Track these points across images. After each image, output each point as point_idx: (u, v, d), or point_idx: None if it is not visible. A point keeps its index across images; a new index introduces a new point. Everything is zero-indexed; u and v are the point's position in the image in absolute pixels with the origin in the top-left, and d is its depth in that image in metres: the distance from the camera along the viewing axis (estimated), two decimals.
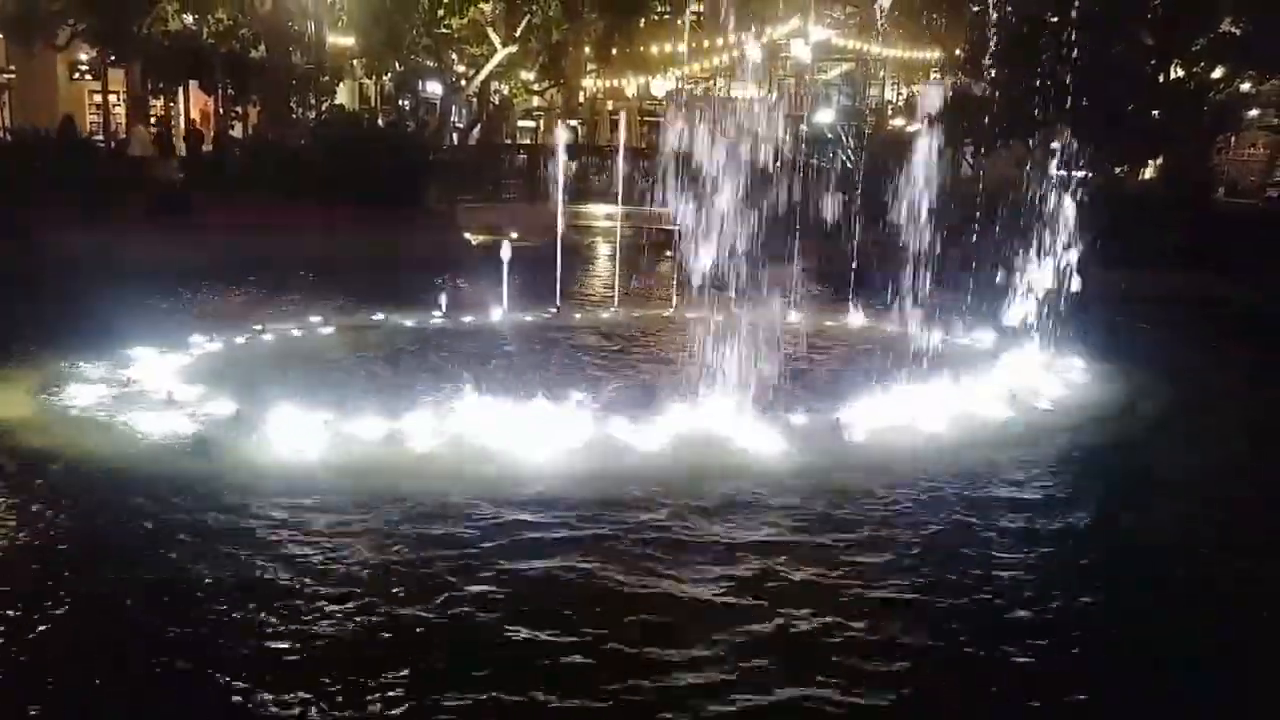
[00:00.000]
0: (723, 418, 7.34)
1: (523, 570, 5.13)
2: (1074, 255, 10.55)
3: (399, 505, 5.88)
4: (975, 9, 22.89)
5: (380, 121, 28.91)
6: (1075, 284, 10.42)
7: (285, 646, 4.37)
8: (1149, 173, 22.79)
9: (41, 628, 4.49)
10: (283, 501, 5.90)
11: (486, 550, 5.35)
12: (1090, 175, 20.83)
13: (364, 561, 5.20)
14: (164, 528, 5.51)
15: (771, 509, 6.02)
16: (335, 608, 4.70)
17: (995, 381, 8.83)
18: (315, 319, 11.09)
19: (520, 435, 6.85)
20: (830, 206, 13.45)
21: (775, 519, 5.88)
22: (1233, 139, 28.82)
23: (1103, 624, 4.89)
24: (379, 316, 11.45)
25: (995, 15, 21.86)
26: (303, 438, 6.78)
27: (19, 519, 5.66)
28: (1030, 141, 20.39)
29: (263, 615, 4.61)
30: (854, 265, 13.58)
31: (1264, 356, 11.57)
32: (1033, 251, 10.65)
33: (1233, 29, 21.05)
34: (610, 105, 42.72)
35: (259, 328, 10.58)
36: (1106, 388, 9.30)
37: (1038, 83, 19.80)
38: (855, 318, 12.65)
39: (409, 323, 11.38)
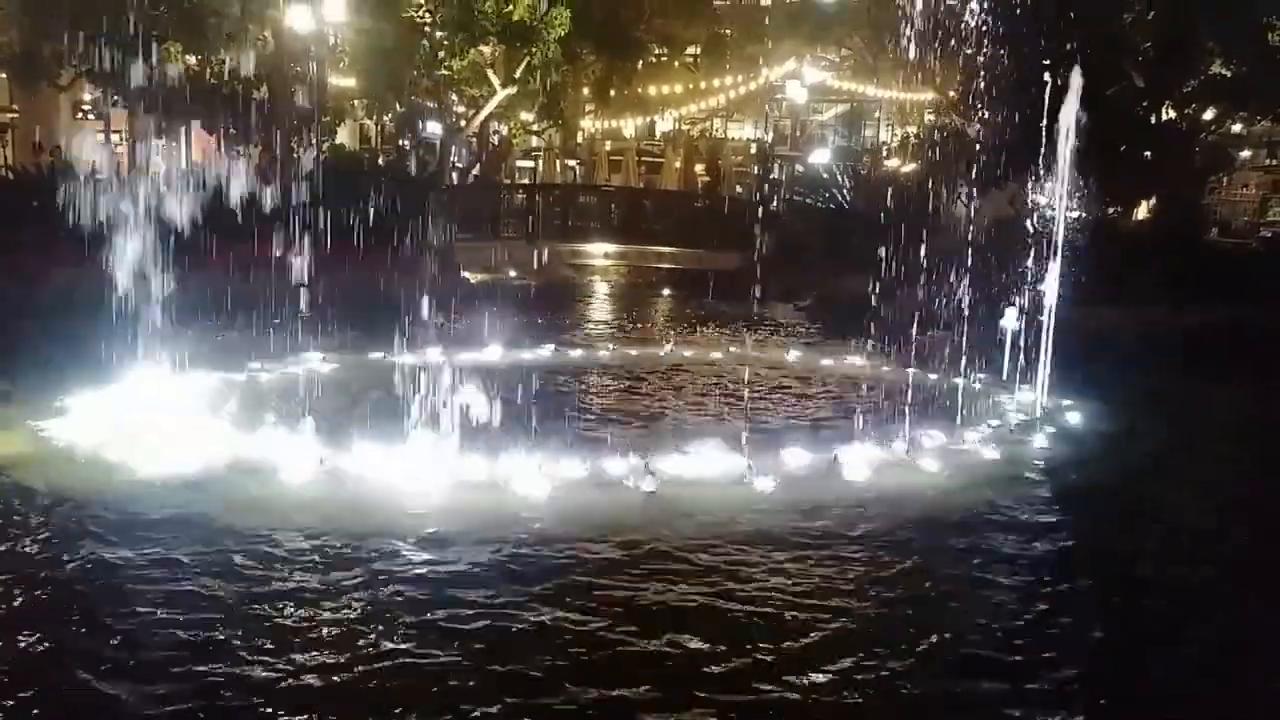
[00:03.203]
0: None
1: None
2: None
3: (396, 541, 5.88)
4: (968, 51, 23.17)
5: (380, 161, 29.10)
6: None
7: (274, 685, 4.34)
8: (1142, 212, 22.96)
9: (32, 660, 4.46)
10: (278, 538, 5.89)
11: (484, 590, 5.34)
12: (1084, 214, 21.06)
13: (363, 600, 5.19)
14: (154, 564, 5.50)
15: None
16: (330, 651, 4.68)
17: None
18: (312, 355, 11.12)
19: (520, 471, 6.86)
20: None
21: None
22: (1225, 179, 29.08)
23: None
24: (375, 355, 11.47)
25: (988, 57, 22.16)
26: (298, 473, 6.78)
27: (12, 554, 5.65)
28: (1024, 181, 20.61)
29: (250, 651, 4.59)
30: None
31: (1256, 392, 11.61)
32: None
33: (1223, 71, 21.33)
34: (608, 145, 43.13)
35: (257, 365, 10.59)
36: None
37: (1030, 124, 20.02)
38: None
39: (405, 360, 11.39)
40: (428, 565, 5.61)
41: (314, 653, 4.61)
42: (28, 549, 5.74)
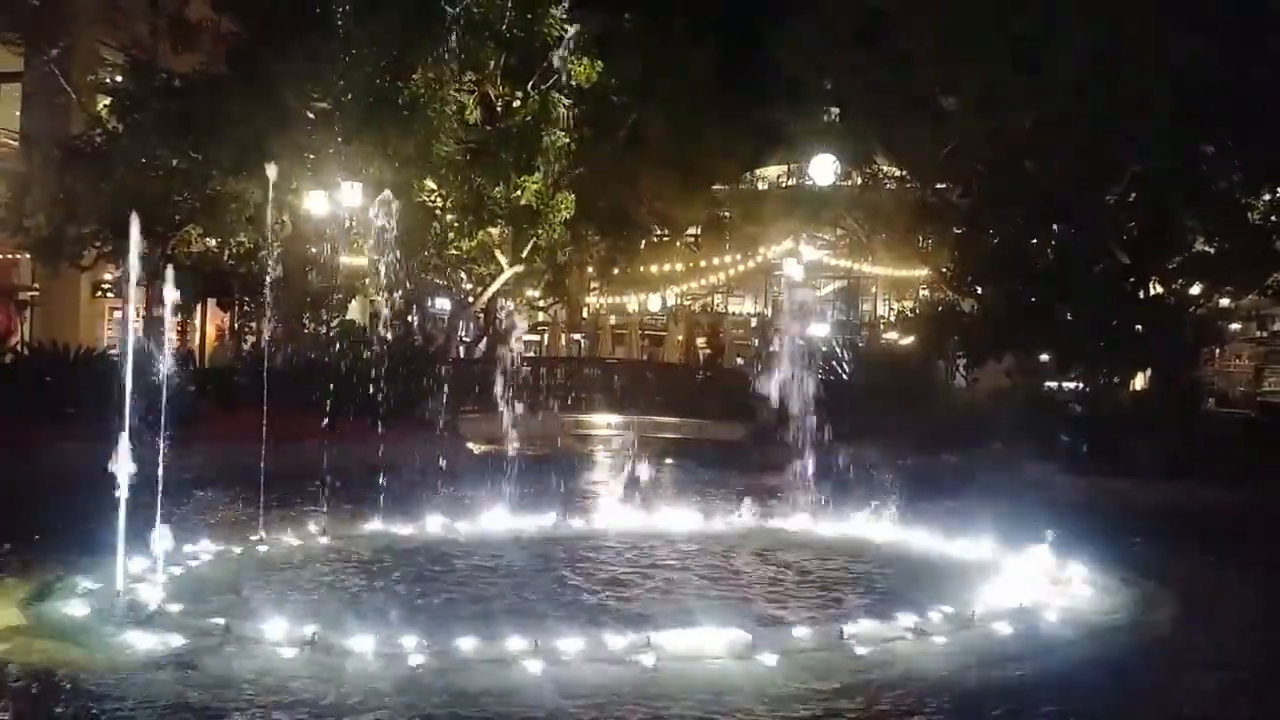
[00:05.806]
0: None
1: None
2: None
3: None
4: (958, 231, 24.11)
5: (389, 336, 29.77)
6: None
7: None
8: (1139, 383, 23.27)
9: None
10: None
11: None
12: (1082, 387, 21.37)
13: None
14: None
15: None
16: None
17: None
18: (314, 529, 11.05)
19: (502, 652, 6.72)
20: None
21: None
22: (1218, 351, 29.61)
23: None
24: (376, 527, 11.41)
25: (978, 237, 23.05)
26: (291, 652, 6.65)
27: None
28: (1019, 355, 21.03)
29: None
30: None
31: (1259, 564, 11.43)
32: None
33: (1206, 248, 22.10)
34: (612, 319, 44.23)
35: (256, 538, 10.53)
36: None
37: (1021, 300, 20.64)
38: None
39: (407, 532, 11.32)
40: None
41: None
42: None
